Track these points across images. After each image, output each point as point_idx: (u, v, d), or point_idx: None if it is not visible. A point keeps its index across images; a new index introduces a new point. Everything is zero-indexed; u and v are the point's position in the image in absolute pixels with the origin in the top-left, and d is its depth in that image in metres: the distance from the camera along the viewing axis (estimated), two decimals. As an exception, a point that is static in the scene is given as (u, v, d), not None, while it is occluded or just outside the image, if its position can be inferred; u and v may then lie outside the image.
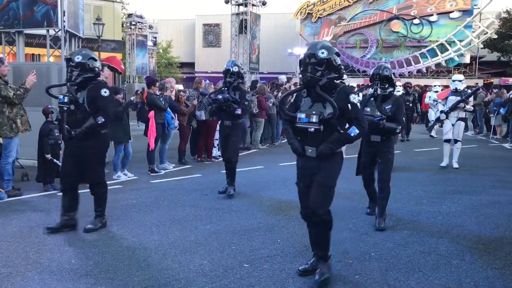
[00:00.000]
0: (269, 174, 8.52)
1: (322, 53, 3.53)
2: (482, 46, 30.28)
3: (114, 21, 21.17)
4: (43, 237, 4.89)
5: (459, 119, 9.10)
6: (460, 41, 29.05)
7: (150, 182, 7.72)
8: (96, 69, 5.06)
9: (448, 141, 9.30)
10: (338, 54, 3.69)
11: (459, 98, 8.96)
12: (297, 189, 3.92)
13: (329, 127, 3.56)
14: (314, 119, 3.55)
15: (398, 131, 5.31)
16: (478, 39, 29.01)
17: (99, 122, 4.95)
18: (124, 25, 29.67)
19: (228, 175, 6.79)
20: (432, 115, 14.22)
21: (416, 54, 30.43)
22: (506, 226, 5.42)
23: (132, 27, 29.68)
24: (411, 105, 13.87)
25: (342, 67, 3.67)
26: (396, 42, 31.54)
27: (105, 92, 5.00)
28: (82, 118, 4.94)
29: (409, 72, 30.37)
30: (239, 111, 6.54)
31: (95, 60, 5.09)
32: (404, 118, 9.43)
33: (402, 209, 6.14)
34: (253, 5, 26.51)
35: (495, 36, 29.24)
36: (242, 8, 26.60)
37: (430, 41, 30.31)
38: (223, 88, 6.78)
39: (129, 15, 30.72)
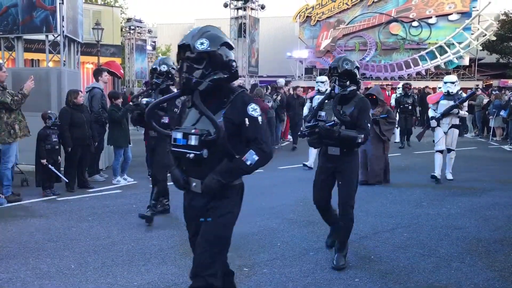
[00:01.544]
0: (269, 178, 8.50)
1: (202, 44, 2.50)
2: (481, 48, 30.34)
3: (113, 26, 21.12)
4: (42, 242, 4.88)
5: (452, 126, 7.99)
6: (459, 43, 29.11)
7: (149, 187, 7.69)
8: None
9: (440, 151, 8.14)
10: (229, 46, 2.63)
11: (451, 102, 7.84)
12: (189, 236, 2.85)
13: (219, 152, 2.54)
14: (193, 141, 2.50)
15: (360, 141, 4.02)
16: (477, 41, 29.06)
17: None
18: (123, 30, 29.73)
19: (151, 195, 5.73)
20: None
21: (415, 56, 30.49)
22: (505, 228, 5.42)
23: (131, 31, 29.77)
24: (410, 107, 12.90)
25: (235, 64, 2.63)
26: (395, 45, 31.60)
27: None
28: None
29: (408, 74, 30.41)
30: (165, 120, 5.27)
31: None
32: (393, 122, 8.25)
33: (402, 211, 6.14)
34: (252, 9, 26.56)
35: (494, 38, 29.29)
36: (241, 12, 26.64)
37: (429, 43, 30.37)
38: (150, 91, 5.79)
39: (128, 20, 30.81)
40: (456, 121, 8.05)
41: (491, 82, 30.98)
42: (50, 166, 6.90)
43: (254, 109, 2.58)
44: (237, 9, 26.64)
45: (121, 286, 3.80)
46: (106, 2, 31.35)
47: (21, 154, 7.63)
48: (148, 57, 32.03)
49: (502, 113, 13.96)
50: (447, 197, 6.95)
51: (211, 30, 2.60)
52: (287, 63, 33.57)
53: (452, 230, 5.33)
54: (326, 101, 4.26)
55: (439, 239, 5.00)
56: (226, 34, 2.74)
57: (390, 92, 16.32)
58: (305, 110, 10.21)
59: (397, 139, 13.38)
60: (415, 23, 30.86)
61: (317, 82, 9.55)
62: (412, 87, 14.54)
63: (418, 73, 30.71)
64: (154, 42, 36.49)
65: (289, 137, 14.56)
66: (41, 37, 11.09)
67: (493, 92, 16.23)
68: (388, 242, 4.89)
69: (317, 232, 5.17)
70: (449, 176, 8.24)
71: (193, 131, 2.52)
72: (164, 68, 5.60)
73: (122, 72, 21.31)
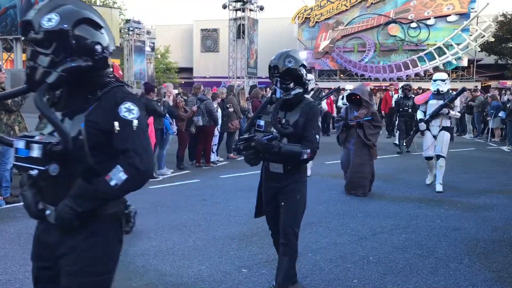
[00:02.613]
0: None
1: (49, 20, 1.77)
2: (479, 49, 30.40)
3: (112, 27, 21.11)
4: (41, 243, 4.88)
5: (443, 128, 7.26)
6: (458, 44, 29.18)
7: (148, 188, 7.71)
8: None
9: (429, 158, 7.56)
10: (94, 24, 1.89)
11: (441, 102, 7.17)
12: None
13: (80, 170, 1.86)
14: (36, 151, 1.77)
15: (306, 157, 3.19)
16: (476, 42, 29.12)
17: None
18: (122, 31, 29.73)
19: None
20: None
21: (414, 57, 30.55)
22: (504, 229, 5.43)
23: (130, 32, 29.74)
24: (410, 110, 11.90)
25: (100, 48, 1.88)
26: (393, 46, 31.67)
27: None
28: None
29: (407, 75, 30.46)
30: None
31: None
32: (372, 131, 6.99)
33: (400, 212, 6.14)
34: (250, 10, 26.55)
35: (492, 39, 29.35)
36: (239, 13, 26.63)
37: (428, 44, 30.45)
38: None
39: (127, 21, 30.79)
40: (447, 123, 7.28)
41: (490, 83, 31.05)
42: (48, 167, 6.89)
43: (128, 110, 1.87)
44: (236, 10, 26.64)
45: (119, 287, 3.80)
46: (104, 3, 31.37)
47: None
48: (147, 58, 32.03)
49: (501, 114, 14.01)
50: (445, 198, 6.95)
51: (68, 3, 1.85)
52: (286, 64, 33.52)
53: (450, 231, 5.34)
54: (268, 106, 3.47)
55: (437, 240, 5.01)
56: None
57: (393, 92, 16.28)
58: None
59: (396, 141, 13.37)
60: (413, 24, 30.95)
61: None
62: (412, 88, 14.33)
63: (416, 74, 30.76)
64: (153, 43, 36.44)
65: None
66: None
67: (489, 94, 16.26)
68: (387, 243, 4.90)
69: (315, 234, 5.17)
70: (439, 188, 7.31)
71: (37, 138, 1.82)
72: None
73: (121, 73, 21.36)
